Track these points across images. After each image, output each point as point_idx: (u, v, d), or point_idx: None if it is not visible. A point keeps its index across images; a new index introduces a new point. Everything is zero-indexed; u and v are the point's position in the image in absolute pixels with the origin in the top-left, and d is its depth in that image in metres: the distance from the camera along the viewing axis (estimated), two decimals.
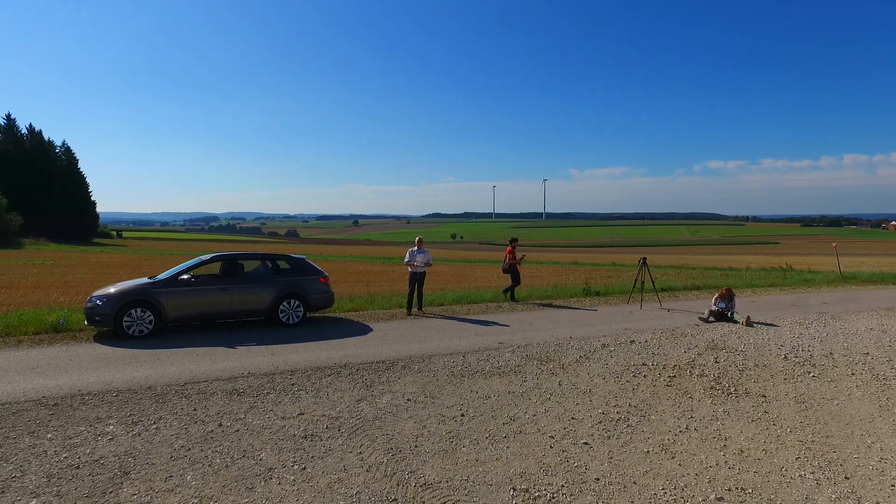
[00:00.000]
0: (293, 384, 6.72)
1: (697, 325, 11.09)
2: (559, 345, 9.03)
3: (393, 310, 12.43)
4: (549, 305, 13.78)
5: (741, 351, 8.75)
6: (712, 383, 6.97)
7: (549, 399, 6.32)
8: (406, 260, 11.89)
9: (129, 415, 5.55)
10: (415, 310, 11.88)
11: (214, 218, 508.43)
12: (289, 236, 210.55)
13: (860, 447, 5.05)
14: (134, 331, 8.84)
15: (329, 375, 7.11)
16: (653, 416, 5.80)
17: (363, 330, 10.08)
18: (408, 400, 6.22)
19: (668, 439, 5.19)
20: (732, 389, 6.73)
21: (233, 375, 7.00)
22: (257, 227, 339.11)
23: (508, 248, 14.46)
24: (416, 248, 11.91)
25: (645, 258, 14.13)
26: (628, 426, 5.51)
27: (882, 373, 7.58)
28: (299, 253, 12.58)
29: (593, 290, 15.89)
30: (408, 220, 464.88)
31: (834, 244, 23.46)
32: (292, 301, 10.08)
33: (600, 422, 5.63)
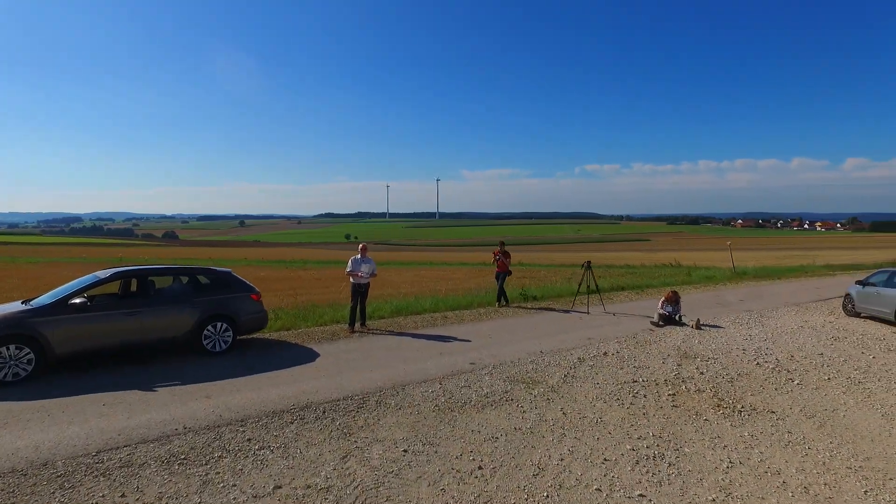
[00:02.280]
0: (249, 440, 5.27)
1: (652, 330, 10.96)
2: (534, 362, 8.29)
3: (330, 326, 11.00)
4: (496, 314, 13.07)
5: (713, 358, 8.60)
6: (715, 400, 6.58)
7: (565, 436, 5.50)
8: (349, 269, 10.51)
9: None
10: (358, 325, 10.57)
11: (77, 218, 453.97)
12: (167, 238, 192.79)
13: None
14: (6, 375, 6.72)
15: (292, 423, 5.73)
16: (686, 449, 5.20)
17: (308, 355, 8.62)
18: (404, 451, 5.08)
19: (723, 479, 4.58)
20: (738, 406, 6.37)
21: (163, 433, 5.37)
22: (129, 228, 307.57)
23: (496, 250, 14.22)
24: (359, 256, 10.58)
25: (589, 262, 13.94)
26: (670, 465, 4.84)
27: (852, 376, 7.71)
28: (181, 258, 10.68)
29: (531, 295, 15.50)
30: (299, 220, 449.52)
31: (728, 243, 25.43)
32: (219, 324, 8.35)
33: (637, 462, 4.91)
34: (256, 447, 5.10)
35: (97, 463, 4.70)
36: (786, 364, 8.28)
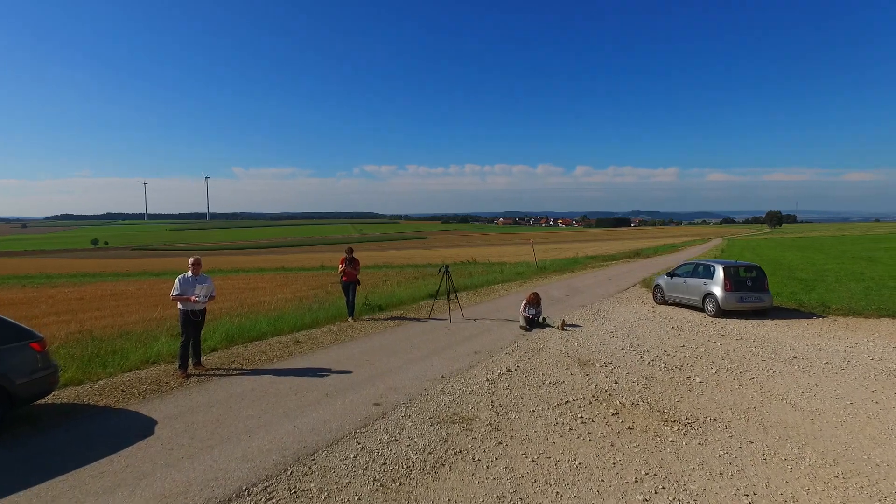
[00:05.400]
0: None
1: (526, 336, 10.63)
2: (445, 392, 7.05)
3: (145, 370, 8.02)
4: (354, 330, 11.34)
5: (608, 363, 8.49)
6: (657, 414, 6.26)
7: (561, 494, 4.44)
8: (176, 293, 7.68)
9: None
10: (191, 366, 7.88)
11: None
12: None
13: (878, 465, 4.93)
14: None
15: None
16: (691, 486, 4.60)
17: (138, 424, 5.88)
18: None
19: None
20: (682, 419, 6.13)
21: None
22: None
23: (343, 257, 12.46)
24: (190, 274, 7.84)
25: (447, 266, 13.12)
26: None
27: (730, 367, 8.28)
28: None
29: (376, 305, 14.05)
30: (23, 223, 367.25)
31: (531, 240, 27.52)
32: None
33: None
34: None
35: None
36: (670, 362, 8.59)
